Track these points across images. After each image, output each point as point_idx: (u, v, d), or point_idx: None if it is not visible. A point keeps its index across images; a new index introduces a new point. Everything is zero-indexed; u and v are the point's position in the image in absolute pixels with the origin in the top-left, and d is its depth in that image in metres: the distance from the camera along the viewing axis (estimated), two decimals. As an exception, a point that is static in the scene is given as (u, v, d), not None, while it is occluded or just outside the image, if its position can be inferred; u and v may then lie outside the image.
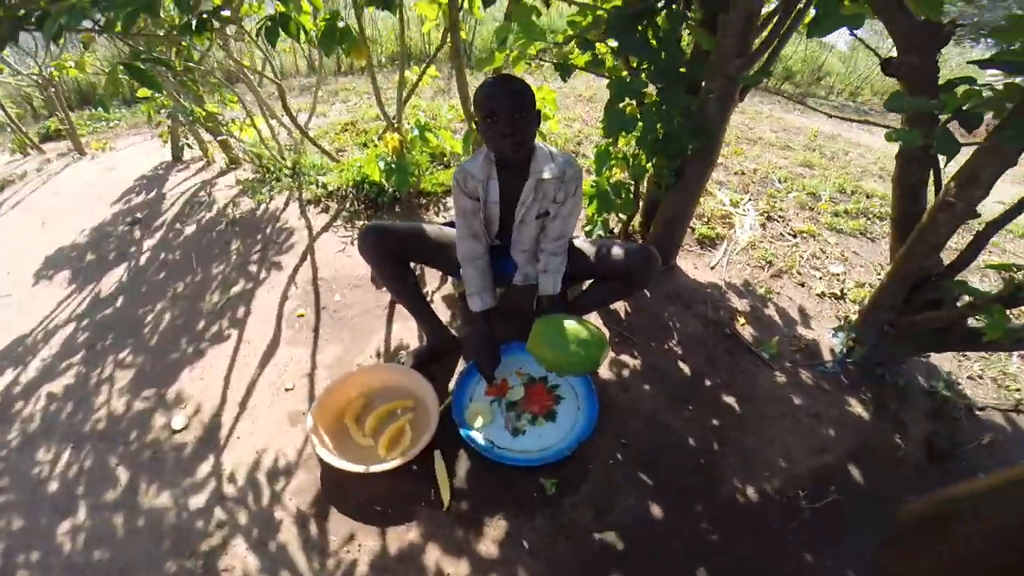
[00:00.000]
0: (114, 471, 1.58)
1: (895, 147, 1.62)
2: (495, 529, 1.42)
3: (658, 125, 1.80)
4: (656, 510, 1.48)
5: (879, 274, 2.54)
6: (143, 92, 3.01)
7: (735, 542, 1.41)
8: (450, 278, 2.25)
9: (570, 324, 1.50)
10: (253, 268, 2.40)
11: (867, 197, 3.20)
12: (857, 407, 1.81)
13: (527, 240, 1.62)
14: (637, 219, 2.39)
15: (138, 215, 3.05)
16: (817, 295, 2.32)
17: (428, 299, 2.16)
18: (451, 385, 1.77)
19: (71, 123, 3.85)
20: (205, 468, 1.56)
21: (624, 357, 1.91)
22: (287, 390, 1.81)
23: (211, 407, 1.77)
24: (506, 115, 1.36)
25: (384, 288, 2.18)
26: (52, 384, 1.90)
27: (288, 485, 1.52)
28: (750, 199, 3.01)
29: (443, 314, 2.09)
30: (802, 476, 1.56)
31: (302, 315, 2.09)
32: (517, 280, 1.69)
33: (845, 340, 2.01)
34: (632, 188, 2.18)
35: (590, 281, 1.82)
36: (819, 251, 2.62)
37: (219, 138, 3.30)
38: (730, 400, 1.78)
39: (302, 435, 1.65)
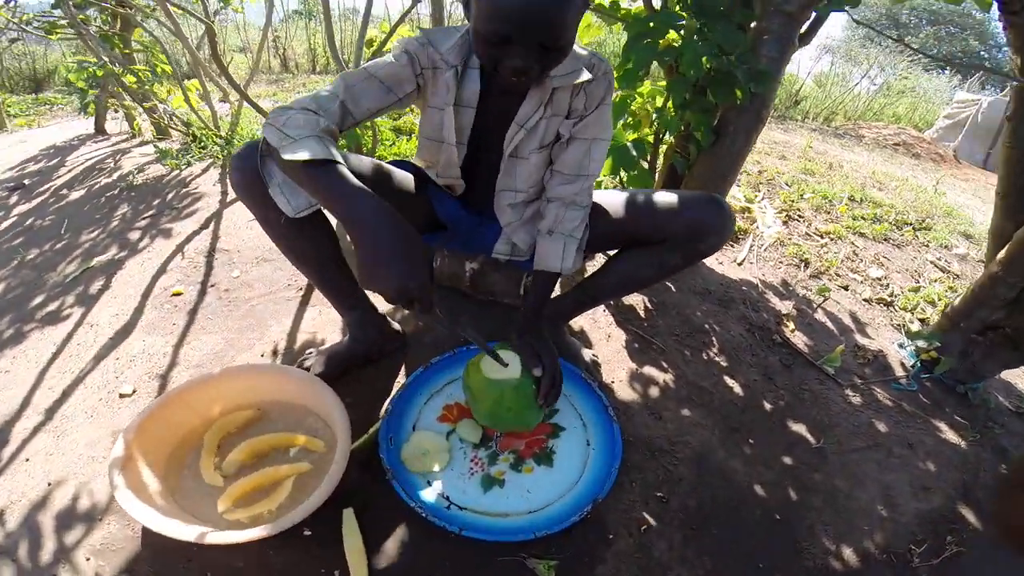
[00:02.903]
0: None
1: (883, 163, 1.22)
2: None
3: (704, 59, 1.24)
4: (720, 603, 0.83)
5: (919, 281, 2.02)
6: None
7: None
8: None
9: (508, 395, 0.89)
10: (134, 235, 1.67)
11: (877, 206, 2.76)
12: (949, 433, 1.26)
13: (523, 183, 0.96)
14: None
15: (25, 182, 2.32)
16: (864, 300, 1.76)
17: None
18: (385, 406, 1.06)
19: (-6, 100, 3.14)
20: (-38, 499, 0.90)
21: (649, 369, 1.25)
22: (123, 395, 1.08)
23: (3, 413, 1.06)
24: (527, 45, 0.69)
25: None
26: None
27: (87, 537, 0.83)
28: (764, 197, 2.48)
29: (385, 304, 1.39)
30: (910, 525, 1.03)
31: (178, 293, 1.37)
32: (498, 251, 1.03)
33: (921, 351, 1.44)
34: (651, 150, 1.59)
35: (611, 252, 1.15)
36: (852, 254, 2.08)
37: (146, 104, 2.59)
38: (800, 429, 1.15)
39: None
